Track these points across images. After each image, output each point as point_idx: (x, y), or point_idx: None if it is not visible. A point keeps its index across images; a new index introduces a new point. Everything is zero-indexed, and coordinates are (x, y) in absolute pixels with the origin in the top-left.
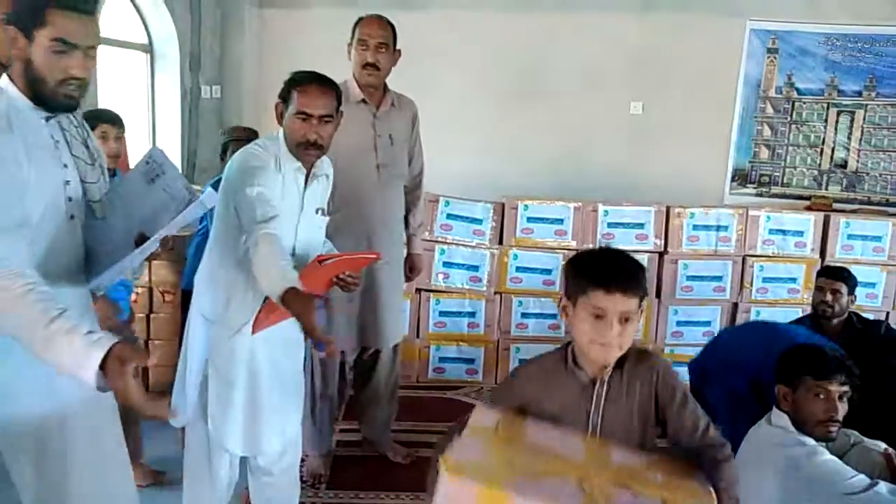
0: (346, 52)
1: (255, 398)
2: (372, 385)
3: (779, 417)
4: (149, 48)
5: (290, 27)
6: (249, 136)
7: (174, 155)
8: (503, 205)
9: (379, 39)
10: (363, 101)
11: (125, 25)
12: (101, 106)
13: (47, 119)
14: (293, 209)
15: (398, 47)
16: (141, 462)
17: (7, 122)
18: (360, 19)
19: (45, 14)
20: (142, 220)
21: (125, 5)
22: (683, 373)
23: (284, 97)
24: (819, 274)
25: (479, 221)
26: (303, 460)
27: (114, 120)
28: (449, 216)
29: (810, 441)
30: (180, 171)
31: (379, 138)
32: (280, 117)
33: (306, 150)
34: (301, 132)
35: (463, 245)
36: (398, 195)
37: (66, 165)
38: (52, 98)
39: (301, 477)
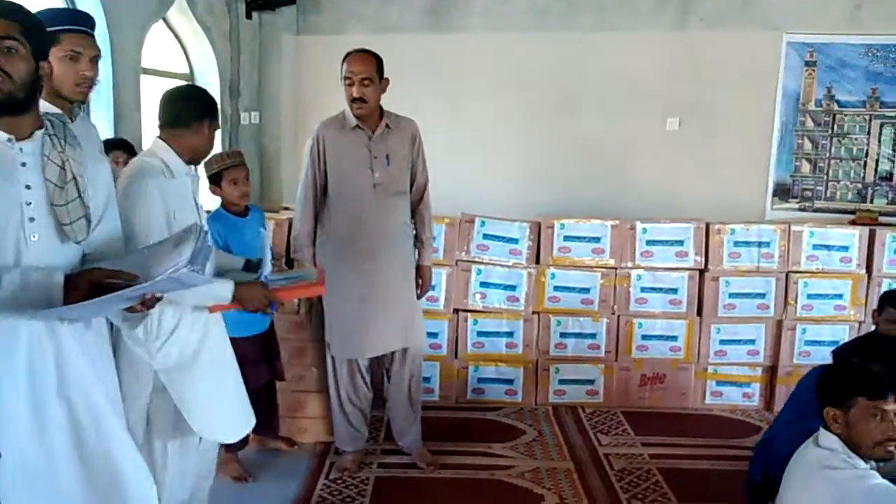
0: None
1: (217, 384)
2: (390, 389)
3: (827, 438)
4: (190, 77)
5: (325, 53)
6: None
7: None
8: (539, 224)
9: (362, 75)
10: (358, 126)
11: (168, 56)
12: (145, 132)
13: (9, 141)
14: (193, 212)
15: (385, 75)
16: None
17: None
18: (346, 55)
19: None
20: (140, 269)
21: (168, 37)
22: (729, 392)
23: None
24: (886, 302)
25: (515, 241)
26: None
27: (125, 146)
28: (485, 236)
29: (861, 463)
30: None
31: (375, 159)
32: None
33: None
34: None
35: (500, 265)
36: (398, 211)
37: (28, 187)
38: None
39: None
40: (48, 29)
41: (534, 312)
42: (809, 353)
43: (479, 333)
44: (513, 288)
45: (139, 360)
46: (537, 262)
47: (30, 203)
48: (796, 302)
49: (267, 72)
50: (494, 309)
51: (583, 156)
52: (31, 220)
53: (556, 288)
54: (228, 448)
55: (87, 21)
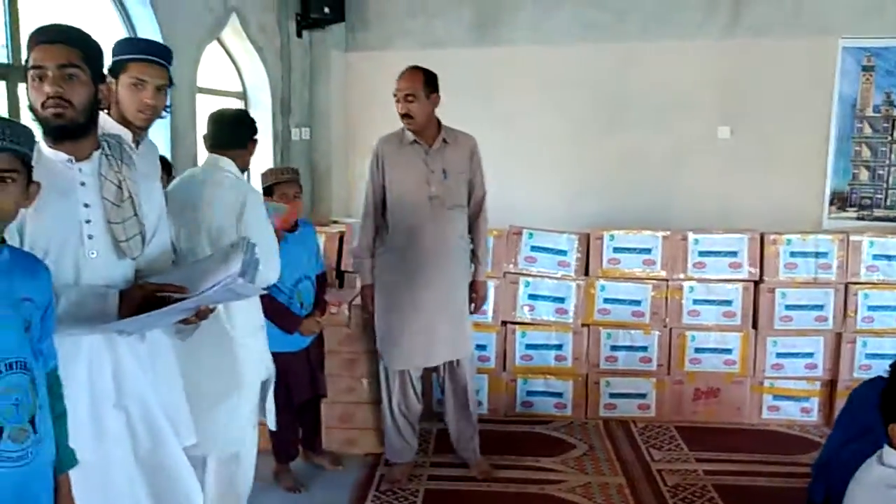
0: None
1: None
2: (445, 400)
3: (891, 456)
4: (243, 95)
5: (373, 69)
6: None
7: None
8: (588, 235)
9: (406, 91)
10: (415, 141)
11: (222, 75)
12: (199, 149)
13: (69, 161)
14: None
15: (436, 92)
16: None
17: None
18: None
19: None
20: (188, 283)
21: (222, 57)
22: (787, 407)
23: None
24: None
25: (563, 253)
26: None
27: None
28: (533, 248)
29: None
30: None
31: (432, 173)
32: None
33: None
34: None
35: (548, 277)
36: (455, 224)
37: (87, 205)
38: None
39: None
40: (118, 57)
41: (583, 325)
42: (871, 367)
43: (528, 346)
44: (562, 300)
45: (233, 361)
46: (586, 273)
47: (88, 221)
48: (856, 314)
49: (317, 89)
50: (543, 321)
51: (631, 166)
52: (90, 237)
53: (606, 300)
54: (281, 460)
55: (156, 51)
